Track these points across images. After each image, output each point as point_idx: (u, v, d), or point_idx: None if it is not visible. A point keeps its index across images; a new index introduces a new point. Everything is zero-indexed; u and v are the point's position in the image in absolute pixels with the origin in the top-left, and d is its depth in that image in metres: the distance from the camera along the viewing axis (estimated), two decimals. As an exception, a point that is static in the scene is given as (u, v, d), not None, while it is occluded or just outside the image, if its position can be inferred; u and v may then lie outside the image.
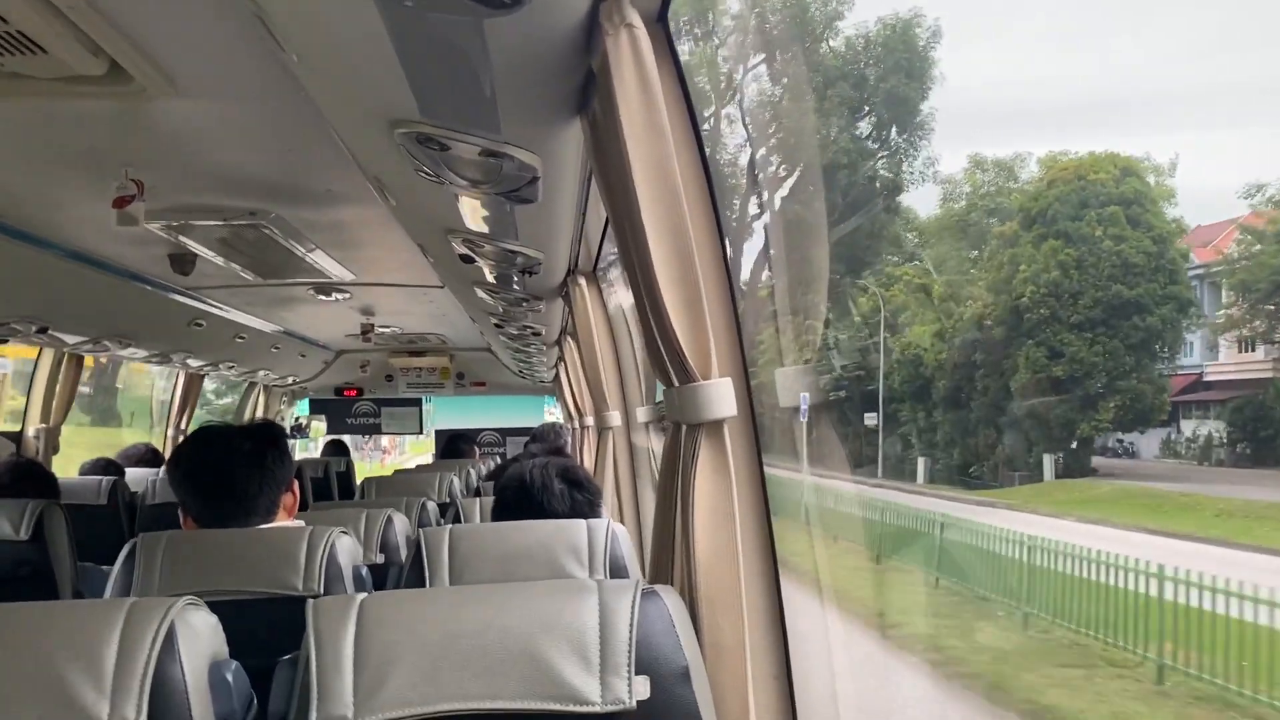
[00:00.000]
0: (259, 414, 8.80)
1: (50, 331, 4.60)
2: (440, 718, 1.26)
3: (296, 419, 9.86)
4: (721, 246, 1.60)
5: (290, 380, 8.85)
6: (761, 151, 35.12)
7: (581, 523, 2.17)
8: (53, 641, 1.28)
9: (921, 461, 31.31)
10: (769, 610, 1.59)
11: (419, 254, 3.77)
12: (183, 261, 3.77)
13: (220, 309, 5.38)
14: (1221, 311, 30.04)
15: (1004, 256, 30.72)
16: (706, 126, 33.56)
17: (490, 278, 3.54)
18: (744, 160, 35.70)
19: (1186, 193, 34.03)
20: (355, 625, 1.28)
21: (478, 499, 2.99)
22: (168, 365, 6.74)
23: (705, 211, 1.56)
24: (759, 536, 1.59)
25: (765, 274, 32.96)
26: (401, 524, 2.92)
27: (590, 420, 4.75)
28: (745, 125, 35.58)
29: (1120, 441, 30.90)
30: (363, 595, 1.33)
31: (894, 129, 35.29)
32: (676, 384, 1.51)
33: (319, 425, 10.03)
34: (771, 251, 33.39)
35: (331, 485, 5.87)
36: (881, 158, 35.54)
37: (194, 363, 6.73)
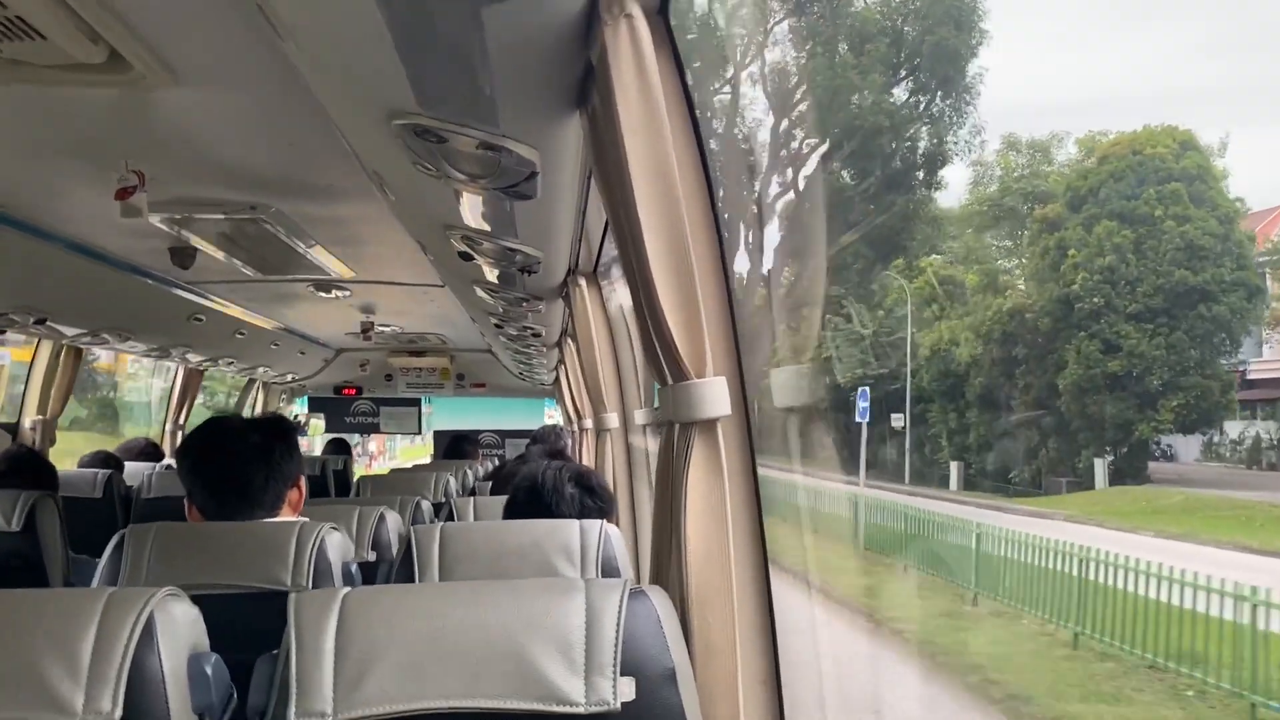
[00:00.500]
0: (257, 411, 8.79)
1: (49, 323, 4.59)
2: (421, 715, 1.24)
3: (294, 416, 9.85)
4: (719, 245, 1.58)
5: (289, 378, 8.84)
6: (785, 124, 31.56)
7: (574, 523, 2.16)
8: (29, 630, 1.26)
9: (954, 467, 29.10)
10: (759, 611, 1.57)
11: (419, 252, 3.76)
12: (183, 255, 3.76)
13: (220, 304, 5.37)
14: (1277, 302, 27.48)
15: (1049, 241, 28.04)
16: (724, 98, 30.98)
17: (490, 276, 3.52)
18: (763, 136, 32.15)
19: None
20: (337, 620, 1.26)
21: (472, 498, 2.97)
22: (167, 360, 6.73)
23: (703, 209, 1.54)
24: (751, 537, 1.57)
25: (779, 263, 30.44)
26: (394, 522, 2.90)
27: (589, 423, 4.74)
28: (767, 93, 32.02)
29: (1158, 444, 28.45)
30: (346, 589, 1.31)
31: (937, 94, 31.50)
32: (671, 382, 1.49)
33: (317, 423, 10.02)
34: (791, 238, 30.76)
35: (328, 482, 5.85)
36: (923, 124, 31.80)
37: (193, 358, 6.73)
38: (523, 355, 6.80)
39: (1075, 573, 13.61)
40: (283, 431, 2.35)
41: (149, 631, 1.28)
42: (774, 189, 31.36)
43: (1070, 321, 27.19)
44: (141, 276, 4.40)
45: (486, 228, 2.72)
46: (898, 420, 29.43)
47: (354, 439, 10.29)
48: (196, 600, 1.42)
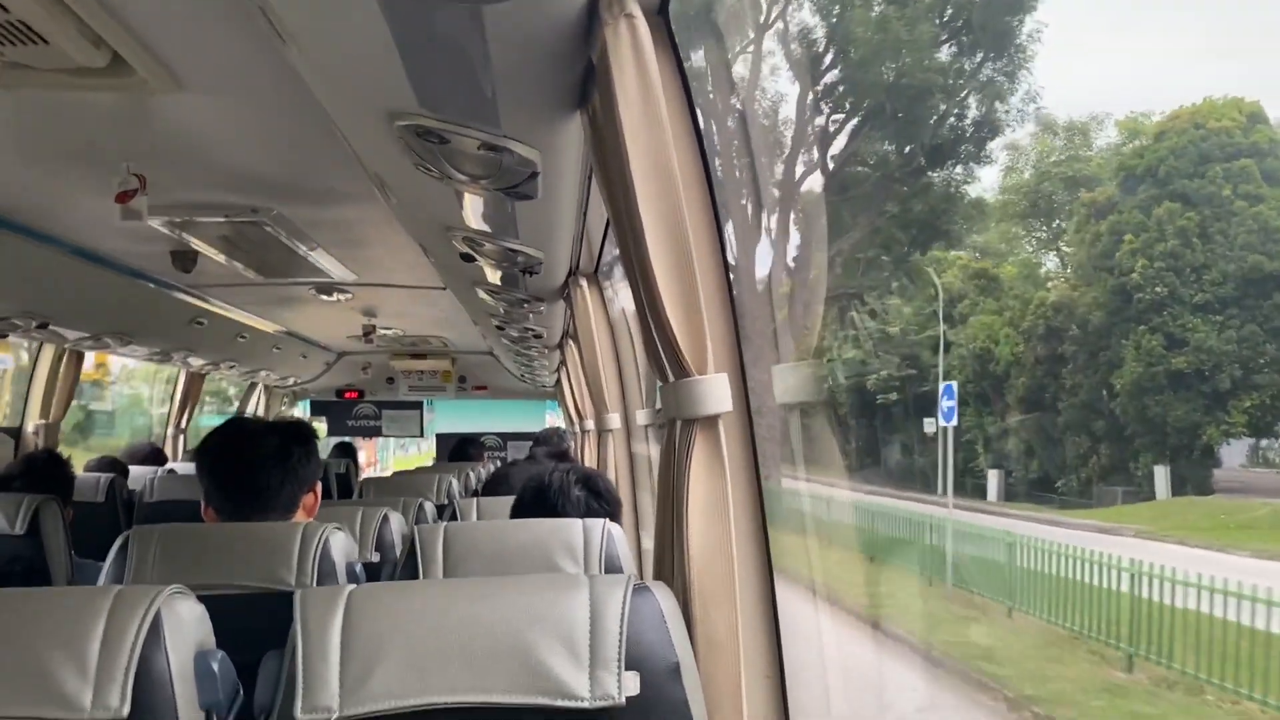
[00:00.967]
0: (259, 414, 8.80)
1: (51, 327, 4.61)
2: (427, 711, 1.24)
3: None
4: (720, 242, 1.60)
5: (291, 381, 8.85)
6: (810, 97, 27.91)
7: (578, 522, 2.16)
8: (37, 628, 1.27)
9: (993, 475, 26.25)
10: (762, 606, 1.58)
11: (421, 254, 3.77)
12: (185, 259, 3.77)
13: (222, 308, 5.38)
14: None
15: (1099, 227, 25.34)
16: (744, 68, 27.56)
17: (491, 278, 3.54)
18: (785, 112, 28.63)
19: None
20: (343, 616, 1.27)
21: (475, 500, 2.97)
22: (168, 364, 6.74)
23: (703, 206, 1.56)
24: (753, 532, 1.58)
25: (805, 254, 27.03)
26: (398, 523, 2.91)
27: (591, 424, 4.75)
28: (791, 57, 28.13)
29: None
30: (351, 586, 1.32)
31: (988, 55, 26.90)
32: (673, 379, 1.50)
33: (319, 427, 10.03)
34: (813, 223, 27.46)
35: (331, 485, 5.87)
36: (971, 90, 27.68)
37: (195, 361, 6.73)
38: (524, 357, 6.81)
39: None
40: (302, 436, 2.36)
41: (156, 629, 1.28)
42: (799, 169, 28.03)
43: (1127, 314, 24.47)
44: (143, 280, 4.41)
45: (488, 229, 2.73)
46: (929, 425, 26.90)
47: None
48: (201, 601, 1.43)
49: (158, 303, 4.79)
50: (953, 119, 27.98)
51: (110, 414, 16.59)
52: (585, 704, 1.24)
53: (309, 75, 1.84)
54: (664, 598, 1.33)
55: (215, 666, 1.35)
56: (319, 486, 2.43)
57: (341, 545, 2.18)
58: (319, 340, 7.59)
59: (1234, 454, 25.49)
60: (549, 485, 2.40)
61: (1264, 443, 25.42)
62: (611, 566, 2.10)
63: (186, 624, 1.34)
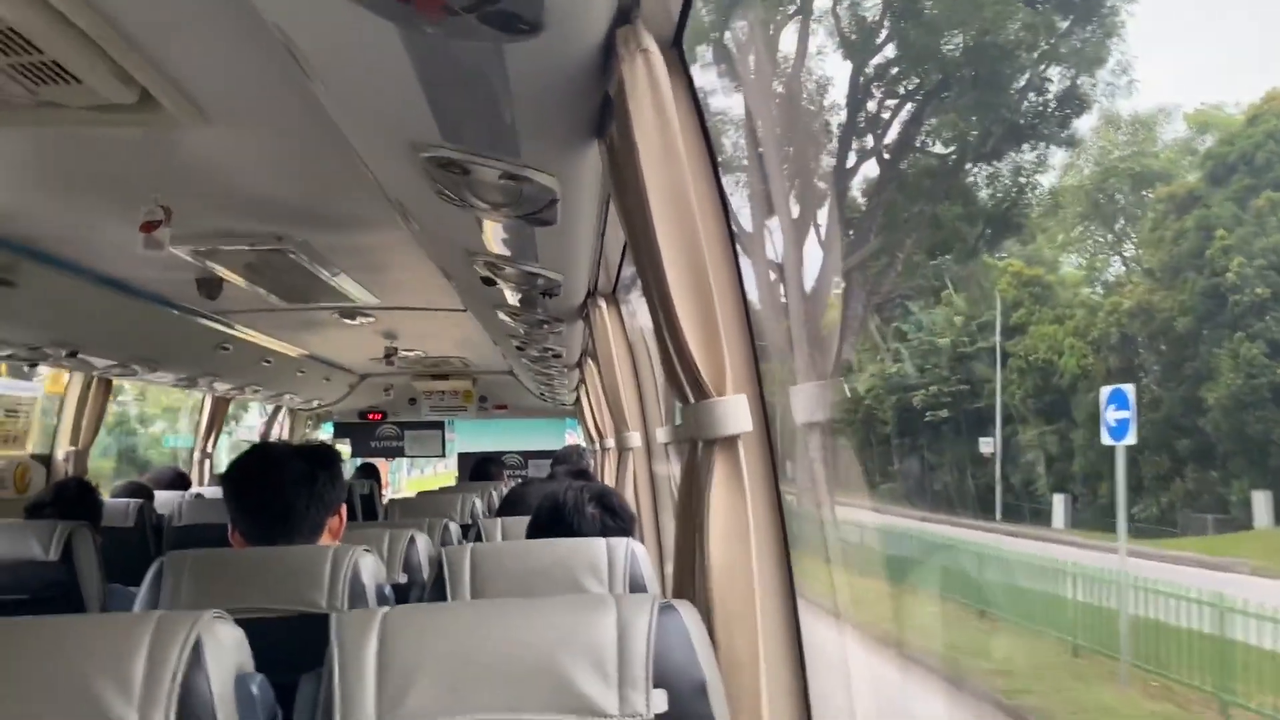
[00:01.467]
0: (284, 437, 8.87)
1: (80, 355, 4.68)
2: None
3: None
4: (736, 265, 1.63)
5: (315, 404, 8.92)
6: (865, 75, 24.48)
7: (601, 541, 2.18)
8: (82, 654, 1.30)
9: (1058, 500, 23.58)
10: (784, 626, 1.59)
11: (442, 278, 3.82)
12: (210, 286, 3.83)
13: (246, 333, 5.45)
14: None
15: (1183, 224, 22.66)
16: (789, 47, 24.69)
17: (512, 300, 3.57)
18: (835, 95, 25.29)
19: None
20: (378, 638, 1.30)
21: (499, 519, 3.00)
22: (194, 389, 6.81)
23: (719, 231, 1.59)
24: (774, 552, 1.60)
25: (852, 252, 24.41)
26: (424, 544, 2.94)
27: (611, 442, 4.77)
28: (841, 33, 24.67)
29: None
30: (385, 609, 1.35)
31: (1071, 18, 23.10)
32: (692, 400, 1.53)
33: (343, 449, 10.09)
34: (868, 218, 24.85)
35: (356, 506, 5.91)
36: (1053, 59, 23.81)
37: (221, 386, 6.80)
38: (544, 376, 6.85)
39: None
40: (327, 460, 2.39)
41: (197, 653, 1.32)
42: (851, 159, 24.96)
43: (1221, 320, 21.41)
44: (169, 308, 4.48)
45: (508, 253, 2.77)
46: (986, 446, 24.51)
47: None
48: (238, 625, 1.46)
49: (184, 329, 4.86)
50: (1033, 93, 24.24)
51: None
52: None
53: (333, 109, 1.89)
54: (689, 616, 1.36)
55: (255, 690, 1.38)
56: (344, 509, 2.46)
57: (371, 567, 2.21)
58: (342, 363, 7.65)
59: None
60: (564, 503, 2.41)
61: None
62: (635, 585, 2.12)
63: (226, 648, 1.37)
